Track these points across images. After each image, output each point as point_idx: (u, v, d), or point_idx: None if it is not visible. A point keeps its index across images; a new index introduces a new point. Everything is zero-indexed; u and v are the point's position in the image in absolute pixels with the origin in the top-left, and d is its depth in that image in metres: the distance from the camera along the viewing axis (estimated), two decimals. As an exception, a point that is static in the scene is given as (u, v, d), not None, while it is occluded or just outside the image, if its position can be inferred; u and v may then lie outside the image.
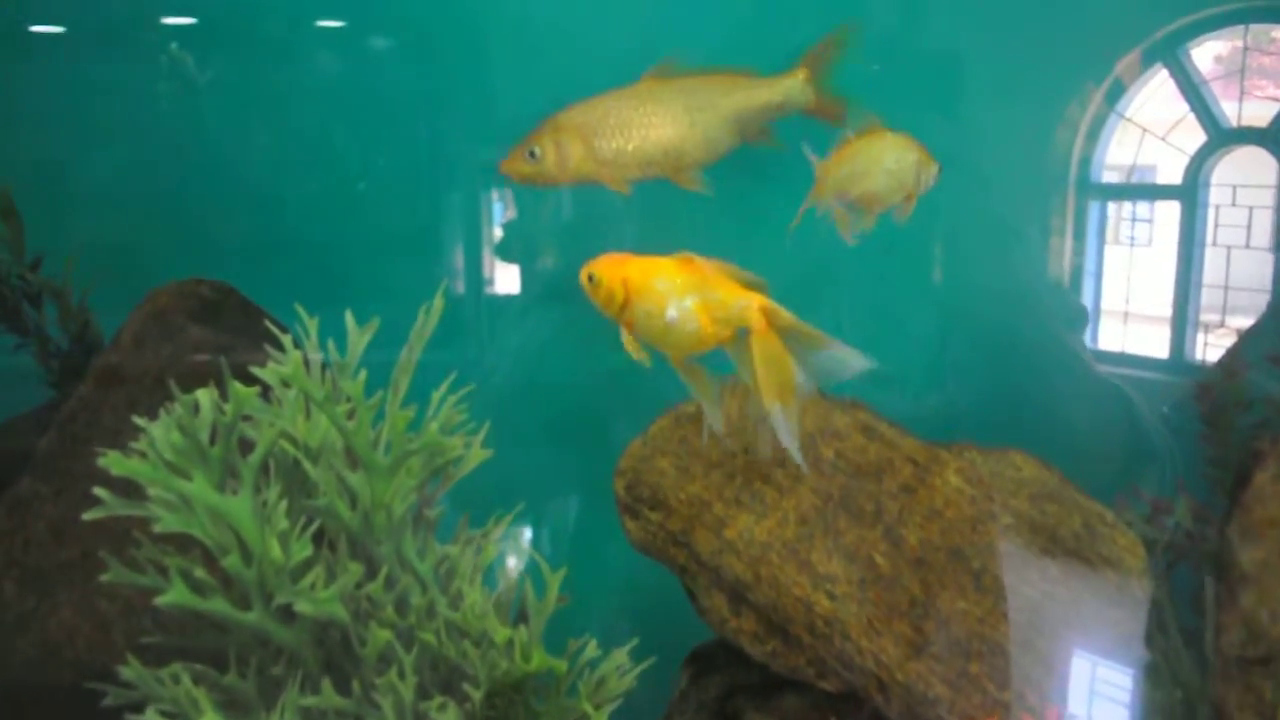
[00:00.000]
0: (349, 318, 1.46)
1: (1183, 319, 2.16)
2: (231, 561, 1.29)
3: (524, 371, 2.30)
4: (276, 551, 1.28)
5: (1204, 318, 2.17)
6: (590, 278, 1.39)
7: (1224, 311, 2.15)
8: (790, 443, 1.34)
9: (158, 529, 1.25)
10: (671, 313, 1.34)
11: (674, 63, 1.90)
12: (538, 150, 1.83)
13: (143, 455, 1.28)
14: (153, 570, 1.32)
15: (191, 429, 1.28)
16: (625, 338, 1.40)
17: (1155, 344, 2.21)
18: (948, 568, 1.51)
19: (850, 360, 1.33)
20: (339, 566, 1.35)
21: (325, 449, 1.39)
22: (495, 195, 2.45)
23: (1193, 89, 2.07)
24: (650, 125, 1.87)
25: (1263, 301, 2.06)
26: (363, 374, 1.35)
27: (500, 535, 1.50)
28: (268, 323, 1.40)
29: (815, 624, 1.49)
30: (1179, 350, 2.19)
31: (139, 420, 1.31)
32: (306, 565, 1.33)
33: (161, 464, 1.27)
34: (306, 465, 1.36)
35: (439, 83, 2.25)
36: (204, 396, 1.34)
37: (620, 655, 1.48)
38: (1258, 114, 2.05)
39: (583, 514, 2.27)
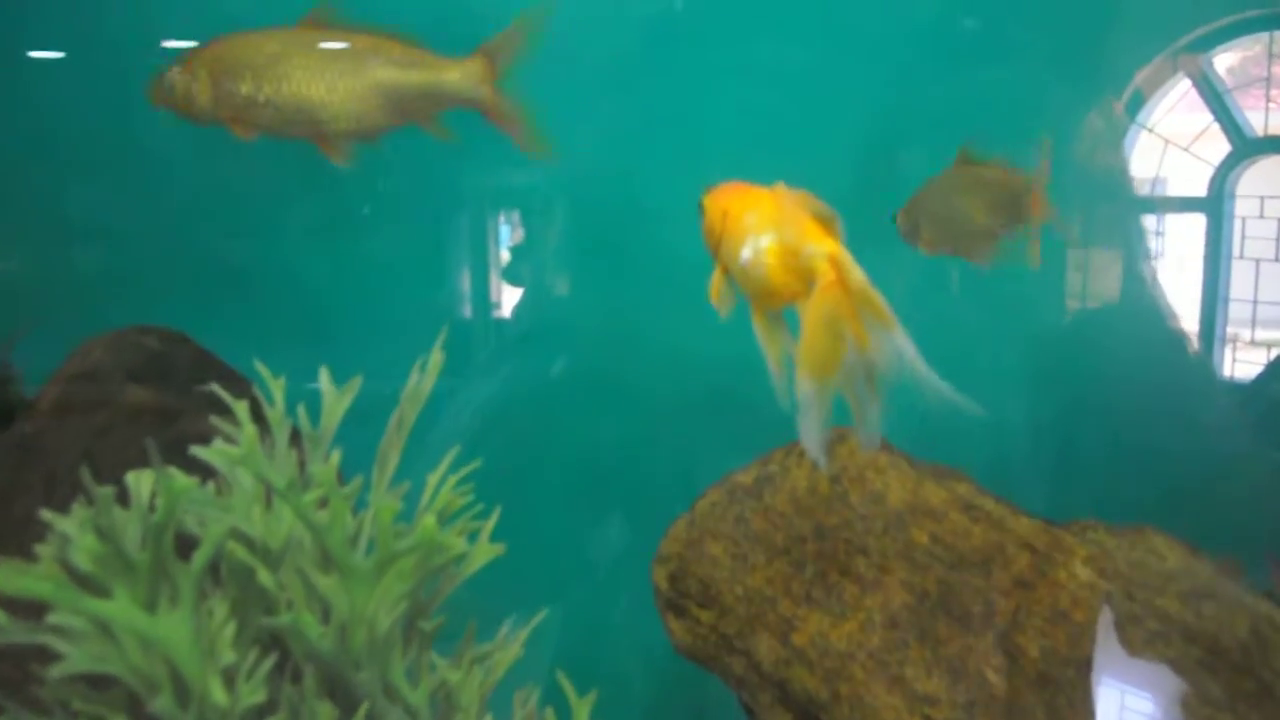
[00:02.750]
0: (324, 377, 1.16)
1: (1210, 333, 2.03)
2: (163, 703, 0.98)
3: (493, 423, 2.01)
4: (219, 693, 0.97)
5: (1231, 331, 2.06)
6: (701, 206, 1.17)
7: (1252, 325, 2.03)
8: (811, 433, 1.01)
9: (56, 672, 0.94)
10: (745, 253, 1.08)
11: (332, 10, 1.64)
12: (168, 79, 1.60)
13: (49, 565, 0.97)
14: (62, 714, 1.01)
15: (112, 531, 0.97)
16: (713, 279, 1.16)
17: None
18: (1079, 687, 1.19)
19: (911, 361, 0.95)
20: (305, 706, 1.04)
21: (291, 549, 1.09)
22: (502, 218, 2.20)
23: (1216, 98, 1.95)
24: (286, 78, 1.61)
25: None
26: (336, 455, 1.05)
27: (517, 648, 1.18)
28: (218, 385, 1.09)
29: (912, 757, 1.18)
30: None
31: (48, 515, 1.01)
32: (264, 706, 1.02)
33: (69, 579, 0.96)
34: (264, 573, 1.05)
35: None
36: (135, 485, 1.04)
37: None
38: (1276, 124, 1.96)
39: (588, 601, 1.94)
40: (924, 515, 1.32)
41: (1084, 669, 1.20)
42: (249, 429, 1.01)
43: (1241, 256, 2.01)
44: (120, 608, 0.97)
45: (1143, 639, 1.20)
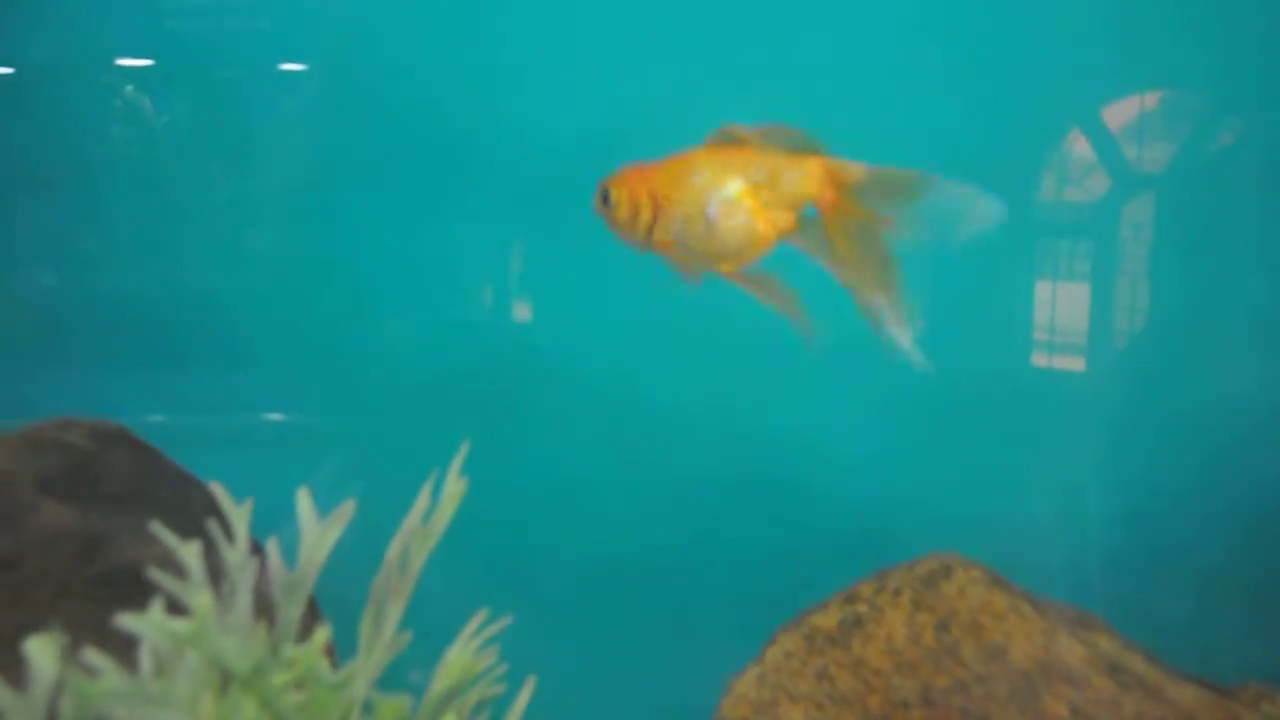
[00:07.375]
0: (302, 499, 0.87)
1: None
2: None
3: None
4: None
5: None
6: (606, 197, 1.09)
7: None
8: (904, 338, 1.02)
9: None
10: (712, 210, 1.05)
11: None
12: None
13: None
14: None
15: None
16: (679, 263, 1.10)
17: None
18: None
19: (967, 198, 0.99)
20: None
21: (252, 748, 0.80)
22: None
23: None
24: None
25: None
26: (324, 632, 0.76)
27: None
28: (160, 525, 0.80)
29: None
30: None
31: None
32: None
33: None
34: (215, 795, 0.76)
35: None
36: (37, 657, 0.74)
37: None
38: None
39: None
40: (1059, 679, 1.04)
41: None
42: (201, 599, 0.72)
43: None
44: None
45: None
